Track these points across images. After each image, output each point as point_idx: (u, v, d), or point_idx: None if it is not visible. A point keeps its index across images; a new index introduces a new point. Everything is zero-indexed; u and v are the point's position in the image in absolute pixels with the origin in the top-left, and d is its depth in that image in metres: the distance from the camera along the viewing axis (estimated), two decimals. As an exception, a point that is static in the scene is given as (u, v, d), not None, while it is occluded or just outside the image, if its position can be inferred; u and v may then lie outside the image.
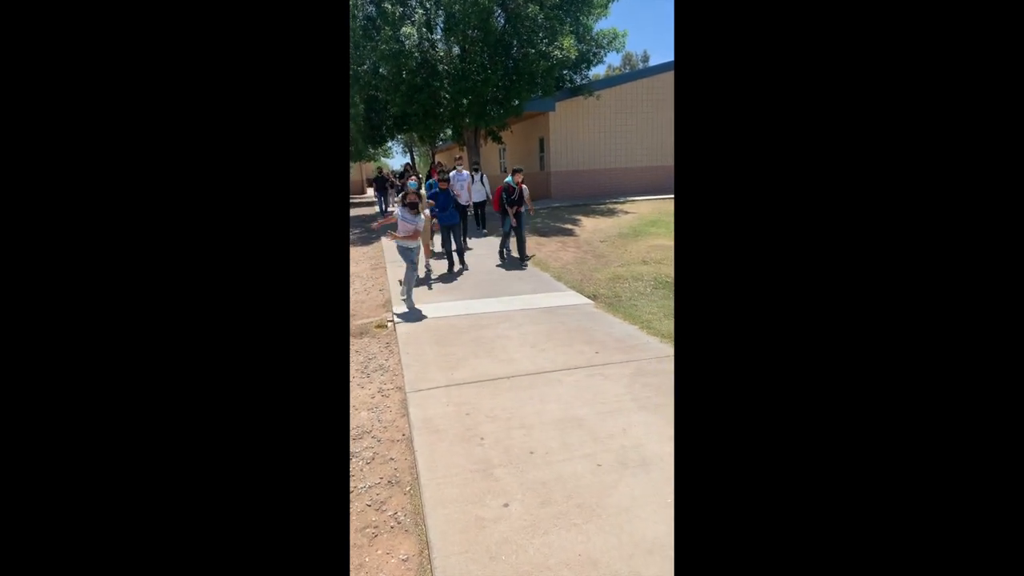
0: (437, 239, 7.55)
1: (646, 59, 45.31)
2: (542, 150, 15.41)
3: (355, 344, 4.57)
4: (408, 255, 5.54)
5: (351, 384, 3.72)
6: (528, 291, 6.00)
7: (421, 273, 6.53)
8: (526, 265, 7.23)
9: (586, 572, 1.92)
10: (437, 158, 22.85)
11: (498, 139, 15.13)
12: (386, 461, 2.78)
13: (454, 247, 7.11)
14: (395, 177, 15.38)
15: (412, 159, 34.54)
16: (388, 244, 7.89)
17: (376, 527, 2.28)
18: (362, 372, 3.95)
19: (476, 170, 9.16)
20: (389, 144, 28.00)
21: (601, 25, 14.10)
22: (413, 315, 5.21)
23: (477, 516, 2.25)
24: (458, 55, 11.64)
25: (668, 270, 6.79)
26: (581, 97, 13.83)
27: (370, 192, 16.91)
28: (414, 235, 5.51)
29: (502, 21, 11.62)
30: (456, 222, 7.11)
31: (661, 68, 15.25)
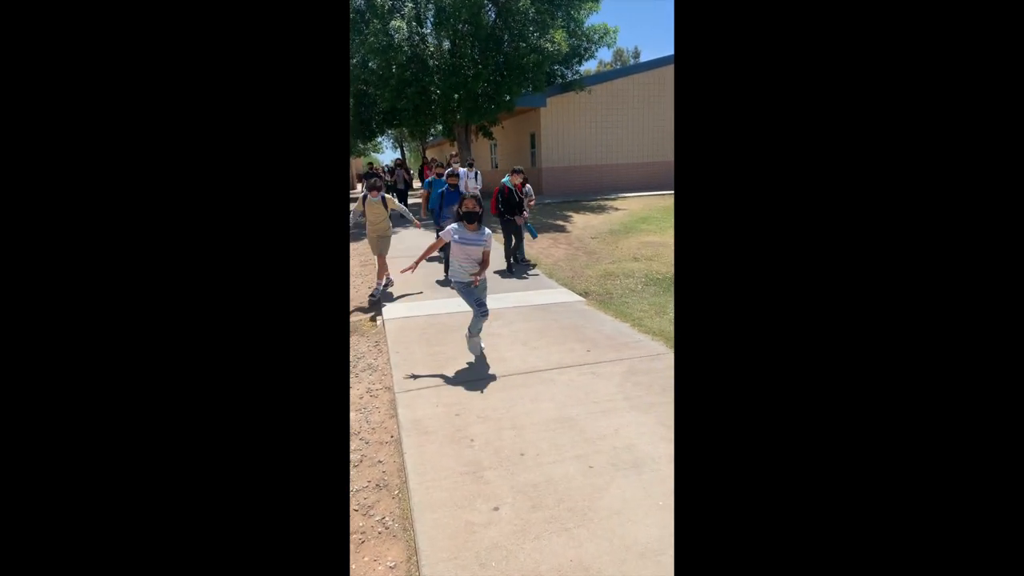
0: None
1: (637, 55, 45.41)
2: (533, 146, 15.35)
3: (343, 343, 4.49)
4: (471, 294, 3.69)
5: (339, 384, 3.64)
6: (519, 288, 5.95)
7: (383, 283, 5.80)
8: (528, 273, 6.62)
9: (578, 578, 1.89)
10: (428, 154, 22.72)
11: (489, 135, 15.05)
12: (374, 464, 2.73)
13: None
14: (386, 173, 15.17)
15: (402, 154, 34.35)
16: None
17: (363, 532, 2.22)
18: (351, 371, 3.89)
19: (470, 166, 9.10)
20: (379, 139, 27.81)
21: (592, 20, 14.02)
22: (480, 367, 3.70)
23: (467, 521, 2.20)
24: (448, 49, 11.54)
25: (658, 267, 6.78)
26: (572, 93, 13.78)
27: (360, 188, 16.69)
28: (483, 264, 3.66)
29: (493, 15, 11.53)
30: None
31: (653, 64, 15.22)
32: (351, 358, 4.13)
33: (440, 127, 15.67)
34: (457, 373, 3.71)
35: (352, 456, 2.79)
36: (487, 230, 3.64)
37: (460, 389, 3.46)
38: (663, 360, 3.82)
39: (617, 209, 11.29)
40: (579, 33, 13.01)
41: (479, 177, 9.07)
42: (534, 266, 7.05)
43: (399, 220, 12.03)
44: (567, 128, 14.82)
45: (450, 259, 3.69)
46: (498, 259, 7.11)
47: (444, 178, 6.52)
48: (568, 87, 13.68)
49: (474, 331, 3.82)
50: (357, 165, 25.90)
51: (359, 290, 6.25)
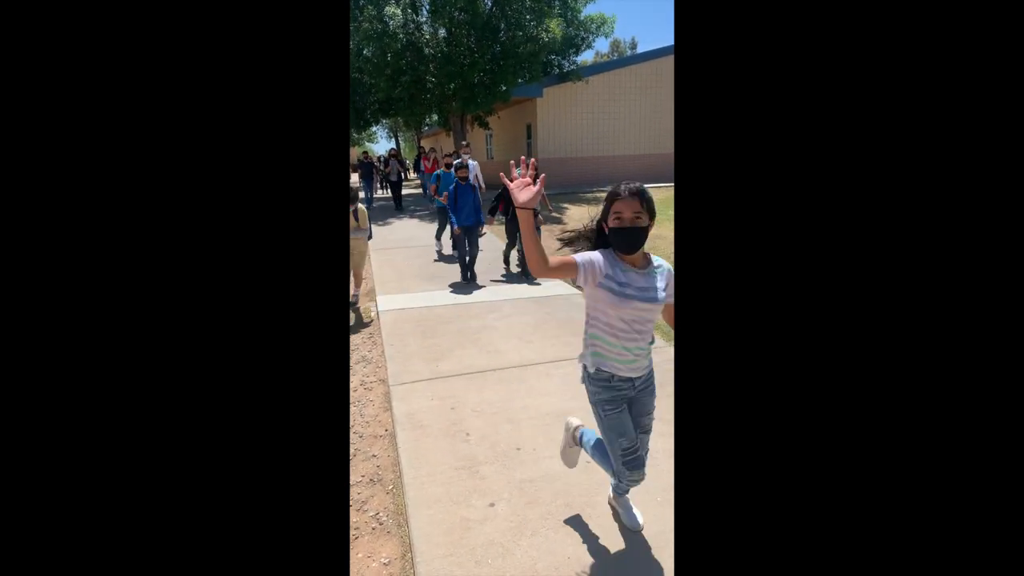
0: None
1: (634, 46, 45.15)
2: (529, 137, 15.25)
3: (337, 335, 4.44)
4: (625, 428, 1.92)
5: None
6: (515, 280, 5.90)
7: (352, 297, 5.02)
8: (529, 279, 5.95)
9: None
10: (423, 143, 22.52)
11: (485, 125, 14.93)
12: (368, 458, 2.69)
13: (468, 254, 5.66)
14: (380, 163, 14.96)
15: (397, 144, 34.12)
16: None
17: (357, 528, 2.19)
18: (344, 364, 3.84)
19: (465, 147, 8.82)
20: (374, 129, 27.55)
21: (589, 10, 13.84)
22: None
23: (462, 517, 2.17)
24: (444, 38, 11.38)
25: (656, 260, 6.74)
26: (569, 83, 13.66)
27: (354, 178, 16.40)
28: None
29: (489, 3, 11.37)
30: (475, 223, 5.64)
31: (650, 55, 15.11)
32: (345, 350, 4.08)
33: (436, 117, 15.50)
34: (452, 366, 3.67)
35: (346, 450, 2.76)
36: (665, 264, 1.86)
37: (455, 382, 3.42)
38: (662, 354, 3.79)
39: (613, 201, 11.23)
40: (576, 23, 12.88)
41: (478, 170, 8.37)
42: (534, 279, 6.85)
43: (391, 212, 11.92)
44: (563, 119, 14.71)
45: (590, 323, 1.86)
46: (497, 260, 7.05)
47: (453, 171, 5.82)
48: (565, 77, 13.56)
49: (619, 492, 2.16)
50: (351, 154, 25.66)
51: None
